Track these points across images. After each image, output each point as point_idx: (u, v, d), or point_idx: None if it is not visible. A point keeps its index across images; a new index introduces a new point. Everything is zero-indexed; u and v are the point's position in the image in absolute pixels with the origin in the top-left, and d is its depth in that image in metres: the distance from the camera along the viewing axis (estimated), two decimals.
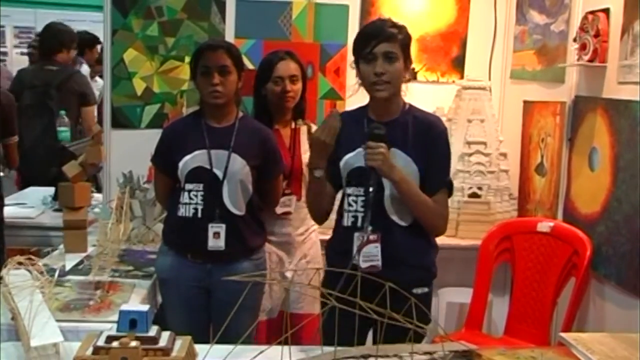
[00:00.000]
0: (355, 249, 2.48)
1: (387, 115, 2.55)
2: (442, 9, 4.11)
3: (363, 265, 2.43)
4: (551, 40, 3.61)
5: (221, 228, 2.87)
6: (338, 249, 2.60)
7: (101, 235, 3.34)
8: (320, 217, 2.74)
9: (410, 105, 2.62)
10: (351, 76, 3.95)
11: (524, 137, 3.83)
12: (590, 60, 3.08)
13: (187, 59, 3.79)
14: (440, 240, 3.76)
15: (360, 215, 2.52)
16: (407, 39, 2.55)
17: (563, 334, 2.41)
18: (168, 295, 2.99)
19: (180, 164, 2.91)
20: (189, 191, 2.91)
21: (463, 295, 3.59)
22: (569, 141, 3.38)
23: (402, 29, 2.54)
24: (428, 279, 2.61)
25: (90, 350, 1.87)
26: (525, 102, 3.83)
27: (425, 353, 2.15)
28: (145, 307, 1.98)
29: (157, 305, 3.03)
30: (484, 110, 3.92)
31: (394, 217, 2.52)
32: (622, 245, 2.89)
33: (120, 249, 3.33)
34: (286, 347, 1.97)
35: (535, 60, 3.78)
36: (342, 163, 2.55)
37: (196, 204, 2.90)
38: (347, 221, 2.55)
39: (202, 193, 2.89)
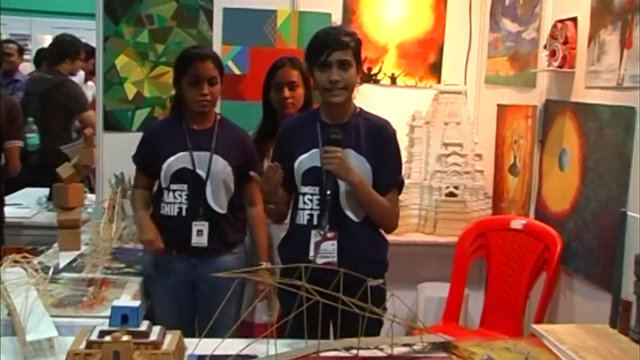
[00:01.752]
0: (312, 245, 2.47)
1: (340, 118, 2.55)
2: (420, 17, 4.12)
3: (319, 261, 2.43)
4: (523, 47, 3.62)
5: (204, 226, 2.88)
6: (294, 246, 2.57)
7: (94, 234, 3.33)
8: (277, 220, 2.75)
9: (360, 109, 2.63)
10: None
11: (498, 139, 3.83)
12: (560, 66, 3.09)
13: None
14: (419, 237, 3.83)
15: (315, 213, 2.52)
16: (359, 45, 2.55)
17: (535, 326, 2.43)
18: (154, 291, 2.98)
19: (164, 166, 2.91)
20: (174, 191, 2.91)
21: (441, 290, 3.59)
22: (540, 143, 3.38)
23: (353, 36, 2.54)
24: (382, 271, 2.61)
25: (84, 344, 1.86)
26: (499, 105, 3.84)
27: (405, 345, 2.16)
28: (136, 303, 1.98)
29: (148, 301, 3.02)
30: (460, 113, 3.93)
31: (349, 214, 2.52)
32: (590, 241, 2.90)
33: (112, 247, 3.31)
34: (272, 341, 1.98)
35: (508, 66, 3.80)
36: (296, 164, 2.54)
37: (180, 203, 2.90)
38: (302, 219, 2.54)
39: (186, 193, 2.89)
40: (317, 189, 2.52)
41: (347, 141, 2.49)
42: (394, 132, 2.63)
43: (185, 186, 2.89)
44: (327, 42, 2.48)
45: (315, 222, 2.51)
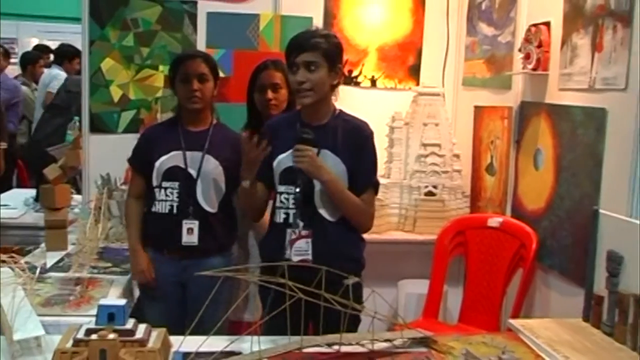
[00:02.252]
0: (287, 243, 2.47)
1: (318, 119, 2.55)
2: (399, 22, 4.13)
3: (294, 259, 2.42)
4: (499, 51, 3.64)
5: (194, 224, 2.88)
6: (271, 244, 2.56)
7: (81, 234, 3.31)
8: (254, 216, 2.73)
9: (341, 111, 2.62)
10: None
11: (475, 139, 3.85)
12: (534, 69, 3.10)
13: (161, 68, 3.82)
14: (399, 235, 3.84)
15: (291, 212, 2.51)
16: (333, 47, 2.51)
17: (512, 321, 2.45)
18: (146, 290, 2.97)
19: (157, 164, 2.91)
20: (165, 189, 2.91)
21: (420, 287, 3.60)
22: (516, 143, 3.40)
23: (328, 38, 2.51)
24: (358, 269, 2.58)
25: (71, 342, 1.85)
26: (476, 107, 3.85)
27: (386, 340, 2.16)
28: (122, 302, 1.97)
29: (134, 299, 3.01)
30: (438, 114, 3.94)
31: (323, 213, 2.51)
32: (564, 238, 2.92)
33: (98, 247, 3.30)
34: (255, 337, 1.98)
35: (485, 68, 3.81)
36: (275, 163, 2.53)
37: (172, 200, 2.90)
38: (279, 218, 2.54)
39: (177, 191, 2.89)
40: (293, 188, 2.51)
41: (324, 142, 2.48)
42: (371, 134, 2.62)
43: (176, 184, 2.89)
44: (295, 44, 2.48)
45: (291, 220, 2.51)
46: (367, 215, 2.60)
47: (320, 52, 2.46)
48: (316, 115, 2.55)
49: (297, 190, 2.48)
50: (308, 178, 2.47)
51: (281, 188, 2.54)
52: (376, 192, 2.66)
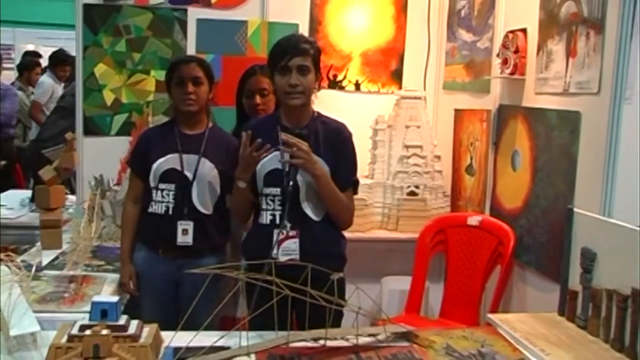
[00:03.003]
0: (274, 244, 2.47)
1: (299, 122, 2.54)
2: (382, 28, 4.14)
3: (282, 258, 2.42)
4: (477, 56, 3.65)
5: (189, 225, 2.87)
6: (257, 245, 2.54)
7: (75, 233, 3.30)
8: (243, 219, 2.71)
9: (318, 113, 2.63)
10: None
11: (455, 141, 3.86)
12: (512, 74, 3.12)
13: (153, 72, 3.82)
14: (382, 233, 3.85)
15: (277, 213, 2.51)
16: (318, 53, 2.55)
17: (490, 315, 2.46)
18: (141, 288, 2.96)
19: (154, 166, 2.90)
20: (162, 190, 2.90)
21: (403, 283, 3.60)
22: (494, 145, 3.41)
23: (313, 44, 2.55)
24: (341, 265, 2.60)
25: (65, 338, 1.85)
26: (456, 110, 3.86)
27: (370, 335, 2.17)
28: (115, 298, 1.97)
29: (127, 296, 3.00)
30: (420, 117, 3.95)
31: (309, 213, 2.52)
32: (540, 236, 2.93)
33: (92, 245, 3.29)
34: (244, 333, 1.97)
35: (464, 73, 3.83)
36: (258, 166, 2.51)
37: (168, 202, 2.89)
38: (265, 219, 2.53)
39: (173, 192, 2.88)
40: (278, 190, 2.51)
41: (306, 140, 2.47)
42: (350, 135, 2.64)
43: (172, 186, 2.88)
44: (287, 48, 2.48)
45: (277, 221, 2.51)
46: (350, 212, 2.63)
47: (310, 57, 2.49)
48: (297, 119, 2.55)
49: (290, 189, 2.47)
50: (294, 181, 2.46)
51: (266, 190, 2.54)
52: (355, 191, 2.67)
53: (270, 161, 2.51)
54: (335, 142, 2.57)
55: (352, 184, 2.63)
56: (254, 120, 2.84)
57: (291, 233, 2.48)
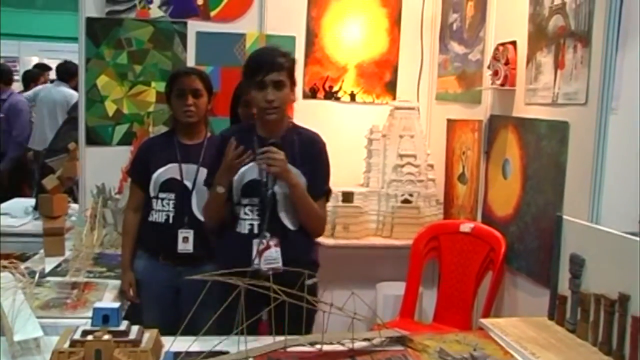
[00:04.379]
0: (254, 253, 2.45)
1: (275, 132, 2.53)
2: (377, 40, 4.15)
3: (264, 267, 2.41)
4: (469, 68, 3.67)
5: (189, 233, 2.87)
6: (235, 254, 2.50)
7: (77, 240, 3.31)
8: (215, 227, 2.66)
9: (293, 123, 2.63)
10: (298, 98, 4.02)
11: (448, 150, 3.86)
12: (502, 85, 3.12)
13: (153, 84, 3.83)
14: (377, 240, 3.85)
15: (256, 222, 2.50)
16: (293, 65, 2.53)
17: (482, 320, 2.46)
18: (142, 294, 2.96)
19: (154, 175, 2.91)
20: (162, 199, 2.91)
21: (397, 289, 3.60)
22: (485, 154, 3.42)
23: (288, 57, 2.52)
24: (315, 271, 2.59)
25: (68, 343, 1.85)
26: (448, 120, 3.87)
27: (365, 339, 2.17)
28: (116, 304, 1.97)
29: (128, 302, 2.99)
30: (413, 127, 3.96)
31: (286, 222, 2.52)
32: (531, 242, 2.94)
33: (94, 252, 3.30)
34: (242, 337, 1.98)
35: (456, 84, 3.84)
36: (236, 176, 2.50)
37: (168, 211, 2.89)
38: (244, 229, 2.52)
39: (173, 202, 2.88)
40: (256, 200, 2.50)
41: (282, 149, 2.46)
42: (324, 145, 2.64)
43: (172, 195, 2.88)
44: (263, 63, 2.45)
45: (256, 231, 2.50)
46: (323, 220, 2.64)
47: (285, 71, 2.47)
48: (273, 130, 2.53)
49: (270, 190, 2.46)
50: (272, 189, 2.46)
51: (244, 201, 2.52)
52: (327, 199, 2.68)
53: (248, 172, 2.50)
54: (310, 152, 2.57)
55: (324, 193, 2.63)
56: (230, 129, 2.79)
57: (272, 242, 2.47)
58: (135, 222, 2.99)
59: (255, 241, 2.47)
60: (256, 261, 2.44)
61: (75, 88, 6.95)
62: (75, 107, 5.88)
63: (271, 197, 2.48)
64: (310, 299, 2.00)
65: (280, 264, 2.44)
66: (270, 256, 2.46)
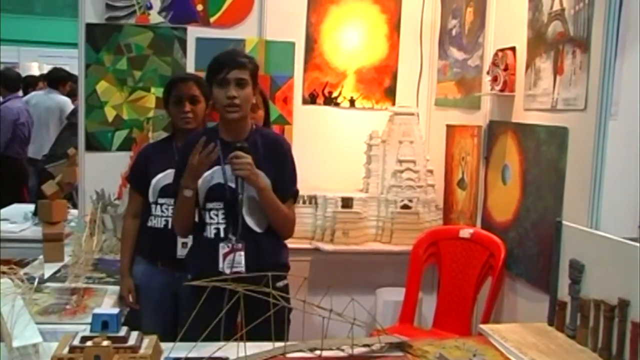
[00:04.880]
0: (220, 257, 2.46)
1: (238, 135, 2.53)
2: (376, 46, 4.16)
3: (227, 271, 2.42)
4: (468, 73, 3.67)
5: (188, 239, 2.86)
6: (203, 259, 2.52)
7: (76, 246, 3.30)
8: (185, 231, 2.67)
9: (257, 126, 2.63)
10: (298, 103, 4.03)
11: (447, 156, 3.86)
12: (501, 90, 3.13)
13: (153, 90, 3.82)
14: (376, 246, 3.85)
15: (222, 226, 2.50)
16: (256, 68, 2.55)
17: (482, 326, 2.46)
18: (140, 299, 2.96)
19: (153, 181, 2.91)
20: (161, 205, 2.91)
21: (397, 294, 3.59)
22: (485, 159, 3.42)
23: (251, 59, 2.54)
24: (285, 272, 2.59)
25: (67, 349, 1.85)
26: (447, 125, 3.87)
27: (365, 345, 2.17)
28: (115, 310, 1.97)
29: (127, 308, 2.99)
30: (413, 133, 3.96)
31: (252, 225, 2.52)
32: (530, 248, 2.94)
33: (93, 258, 3.29)
34: (242, 343, 1.97)
35: (456, 90, 3.84)
36: (200, 181, 2.50)
37: (167, 216, 2.89)
38: (210, 233, 2.52)
39: (172, 207, 2.87)
40: (221, 204, 2.50)
41: (249, 153, 2.47)
42: (289, 146, 2.67)
43: (171, 200, 2.87)
44: (226, 61, 2.47)
45: (222, 235, 2.50)
46: (291, 222, 2.63)
47: (248, 71, 2.48)
48: (237, 132, 2.53)
49: (240, 195, 2.44)
50: (237, 192, 2.45)
51: (209, 205, 2.52)
52: (295, 200, 2.69)
53: (212, 175, 2.51)
54: (275, 154, 2.58)
55: (292, 195, 2.64)
56: (193, 134, 2.77)
57: (237, 246, 2.47)
58: (135, 227, 2.99)
59: (221, 245, 2.48)
60: (220, 265, 2.45)
61: (67, 94, 7.00)
62: (73, 112, 5.90)
63: (235, 200, 2.46)
64: (311, 304, 1.99)
65: (243, 268, 2.44)
66: (234, 260, 2.46)
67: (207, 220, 2.53)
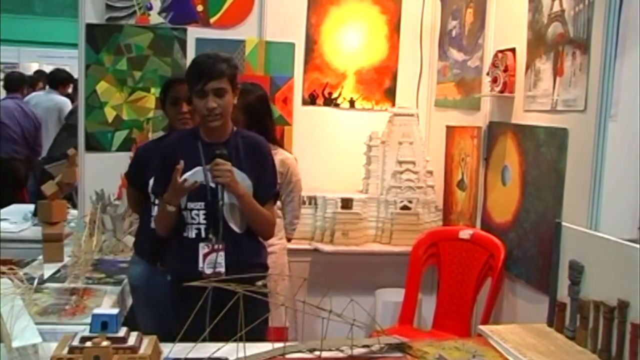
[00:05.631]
0: (200, 257, 2.46)
1: (219, 137, 2.51)
2: (376, 47, 4.16)
3: (207, 271, 2.42)
4: (468, 74, 3.67)
5: None
6: (182, 259, 2.51)
7: (76, 246, 3.30)
8: (167, 233, 2.61)
9: (238, 128, 2.61)
10: (297, 104, 4.03)
11: (447, 157, 3.87)
12: (501, 92, 3.13)
13: (153, 90, 3.82)
14: (376, 247, 3.85)
15: (202, 227, 2.49)
16: (234, 70, 2.50)
17: (481, 327, 2.46)
18: (140, 300, 2.95)
19: (151, 181, 2.90)
20: (159, 205, 2.89)
21: (396, 295, 3.60)
22: (484, 160, 3.42)
23: (229, 62, 2.49)
24: (264, 272, 2.58)
25: (66, 349, 1.85)
26: (447, 126, 3.87)
27: (364, 346, 2.17)
28: (115, 311, 1.97)
29: (127, 308, 2.99)
30: (412, 134, 3.96)
31: (233, 226, 2.51)
32: (530, 249, 2.94)
33: (93, 258, 3.29)
34: (241, 344, 1.97)
35: (455, 91, 3.84)
36: (180, 180, 2.46)
37: None
38: (191, 233, 2.50)
39: None
40: (202, 204, 2.48)
41: (229, 159, 2.46)
42: (269, 148, 2.66)
43: None
44: (203, 71, 2.42)
45: (203, 235, 2.49)
46: (271, 224, 2.63)
47: (226, 78, 2.44)
48: (217, 134, 2.52)
49: (221, 202, 2.44)
50: (219, 194, 2.45)
51: (190, 205, 2.50)
52: (275, 202, 2.70)
53: (193, 176, 2.48)
54: (255, 156, 2.57)
55: (273, 196, 2.65)
56: (173, 135, 2.76)
57: (217, 246, 2.46)
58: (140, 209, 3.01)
59: (201, 245, 2.47)
60: (200, 265, 2.45)
61: (67, 95, 7.00)
62: (71, 113, 5.89)
63: (216, 201, 2.46)
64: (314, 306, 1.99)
65: (222, 269, 2.43)
66: (214, 260, 2.45)
67: (189, 220, 2.51)
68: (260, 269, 2.54)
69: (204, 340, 1.99)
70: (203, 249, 2.46)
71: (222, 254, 2.45)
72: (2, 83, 7.10)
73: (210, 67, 2.43)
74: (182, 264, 2.50)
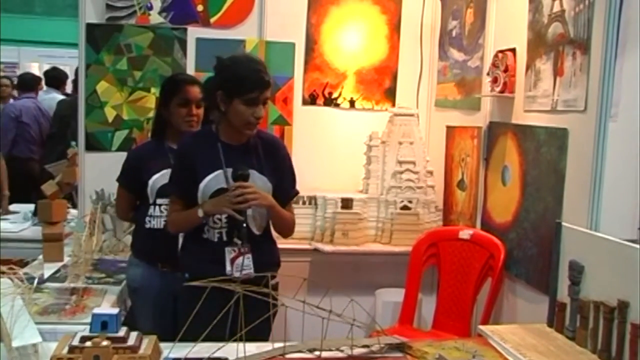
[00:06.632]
0: (227, 261, 2.48)
1: (239, 139, 2.53)
2: (376, 47, 4.16)
3: (237, 274, 2.42)
4: (468, 74, 3.67)
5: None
6: (206, 262, 2.50)
7: (76, 246, 3.30)
8: (181, 233, 2.68)
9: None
10: (298, 104, 4.03)
11: (447, 157, 3.86)
12: (501, 92, 3.13)
13: (153, 90, 3.83)
14: (376, 247, 3.86)
15: (224, 230, 2.51)
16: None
17: (481, 327, 2.46)
18: (140, 302, 2.95)
19: (150, 182, 2.91)
20: (160, 205, 2.91)
21: (396, 295, 3.60)
22: (484, 160, 3.42)
23: (268, 71, 2.51)
24: (278, 270, 2.64)
25: (66, 349, 1.85)
26: (447, 127, 3.87)
27: (364, 346, 2.17)
28: (115, 310, 1.97)
29: (127, 308, 2.99)
30: (412, 134, 3.96)
31: (253, 229, 2.55)
32: (530, 249, 2.94)
33: (93, 258, 3.30)
34: (241, 344, 1.97)
35: (456, 91, 3.84)
36: (202, 185, 2.49)
37: (166, 217, 2.88)
38: (213, 237, 2.52)
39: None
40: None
41: (250, 162, 2.49)
42: (286, 148, 2.72)
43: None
44: (257, 82, 2.43)
45: (225, 238, 2.51)
46: (293, 223, 2.70)
47: (271, 87, 2.50)
48: (237, 136, 2.53)
49: (245, 225, 2.48)
50: (246, 222, 2.49)
51: None
52: (294, 200, 2.74)
53: (214, 180, 2.50)
54: (275, 159, 2.60)
55: (293, 196, 2.69)
56: (190, 136, 2.76)
57: (243, 249, 2.49)
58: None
59: (227, 249, 2.49)
60: (228, 269, 2.46)
61: (66, 94, 7.01)
62: (56, 120, 5.88)
63: (244, 212, 2.48)
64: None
65: (251, 271, 2.46)
66: (243, 263, 2.48)
67: (211, 224, 2.53)
68: (275, 267, 2.62)
69: (209, 340, 1.99)
70: (230, 253, 2.49)
71: (249, 256, 2.49)
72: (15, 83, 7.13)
73: (262, 77, 2.45)
74: (205, 267, 2.47)
